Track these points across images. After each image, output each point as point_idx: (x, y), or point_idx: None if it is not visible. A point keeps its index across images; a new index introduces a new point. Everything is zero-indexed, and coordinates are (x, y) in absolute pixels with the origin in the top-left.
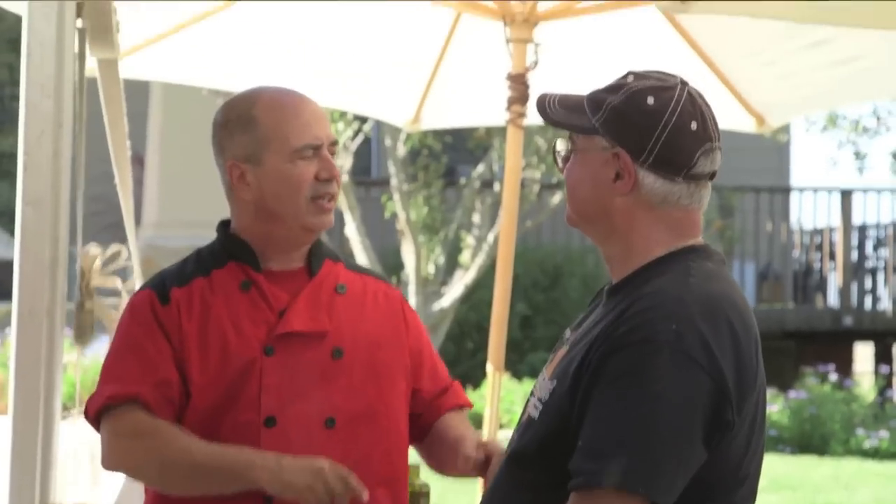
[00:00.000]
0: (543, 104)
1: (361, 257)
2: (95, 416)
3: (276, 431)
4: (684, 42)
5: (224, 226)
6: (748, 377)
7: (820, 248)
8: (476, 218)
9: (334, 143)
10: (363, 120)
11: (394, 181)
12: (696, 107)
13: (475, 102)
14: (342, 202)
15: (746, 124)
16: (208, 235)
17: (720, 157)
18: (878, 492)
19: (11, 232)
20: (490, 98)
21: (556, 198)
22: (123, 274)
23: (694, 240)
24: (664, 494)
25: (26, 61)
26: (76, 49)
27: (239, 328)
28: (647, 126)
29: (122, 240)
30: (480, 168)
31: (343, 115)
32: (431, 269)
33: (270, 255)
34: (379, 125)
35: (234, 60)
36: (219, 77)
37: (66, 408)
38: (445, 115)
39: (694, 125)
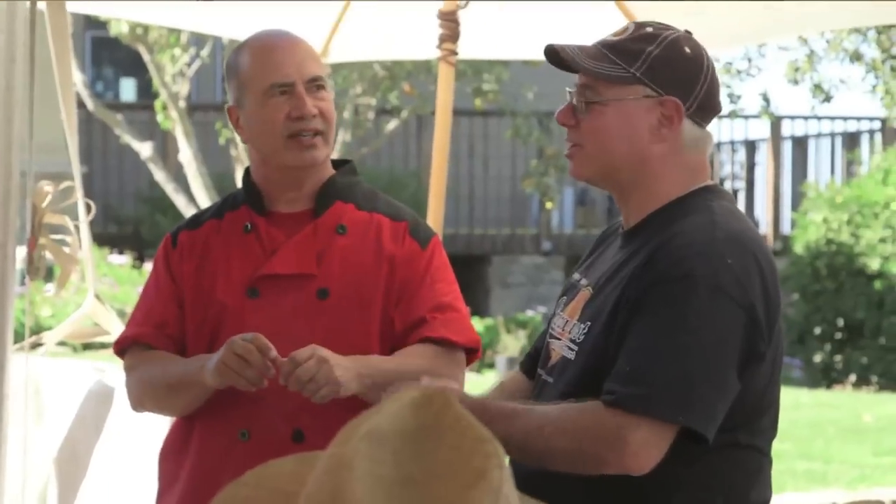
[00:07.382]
0: (556, 52)
1: (196, 183)
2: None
3: None
4: None
5: (248, 169)
6: (774, 308)
7: None
8: None
9: (314, 80)
10: (201, 45)
11: None
12: (707, 54)
13: (393, 35)
14: (177, 129)
15: None
16: None
17: None
18: None
19: None
20: (406, 32)
21: (391, 124)
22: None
23: (705, 180)
24: (706, 424)
25: None
26: None
27: (229, 271)
28: (693, 74)
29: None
30: None
31: (178, 39)
32: None
33: (276, 197)
34: (220, 50)
35: None
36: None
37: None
38: (358, 47)
39: (715, 72)
